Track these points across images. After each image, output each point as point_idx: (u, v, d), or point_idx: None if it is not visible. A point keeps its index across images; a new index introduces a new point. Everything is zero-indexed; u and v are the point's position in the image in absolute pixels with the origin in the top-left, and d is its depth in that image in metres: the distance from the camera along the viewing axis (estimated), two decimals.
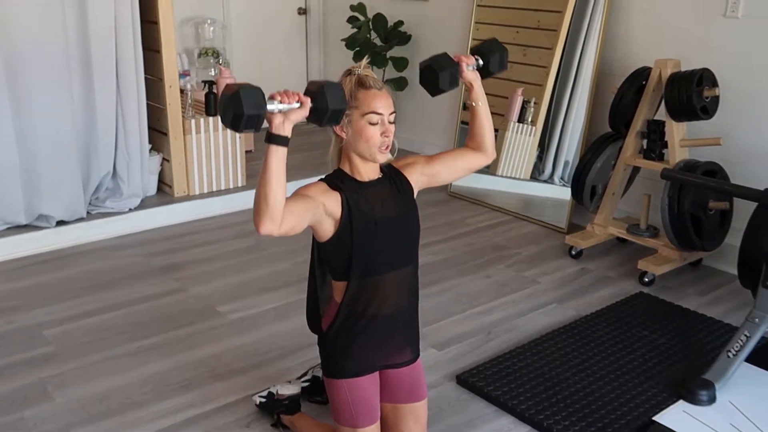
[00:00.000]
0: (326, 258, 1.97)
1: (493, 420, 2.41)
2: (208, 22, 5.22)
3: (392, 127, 1.88)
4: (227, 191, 4.39)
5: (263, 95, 1.61)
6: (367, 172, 1.94)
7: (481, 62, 2.06)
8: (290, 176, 1.73)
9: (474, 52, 2.09)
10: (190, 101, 4.26)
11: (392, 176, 1.99)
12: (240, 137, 4.42)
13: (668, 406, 2.45)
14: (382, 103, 1.84)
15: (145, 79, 4.05)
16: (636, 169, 3.72)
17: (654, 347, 2.83)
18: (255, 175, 4.51)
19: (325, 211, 1.84)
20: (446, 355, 2.80)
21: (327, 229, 1.88)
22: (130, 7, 3.78)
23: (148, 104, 4.10)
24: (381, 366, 2.05)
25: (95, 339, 2.89)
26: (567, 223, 4.11)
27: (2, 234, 3.68)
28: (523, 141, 4.43)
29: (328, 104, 1.69)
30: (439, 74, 1.96)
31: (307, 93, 1.71)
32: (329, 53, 6.01)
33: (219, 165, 4.37)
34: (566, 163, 4.22)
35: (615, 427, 2.32)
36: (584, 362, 2.71)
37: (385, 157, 1.91)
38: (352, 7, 5.15)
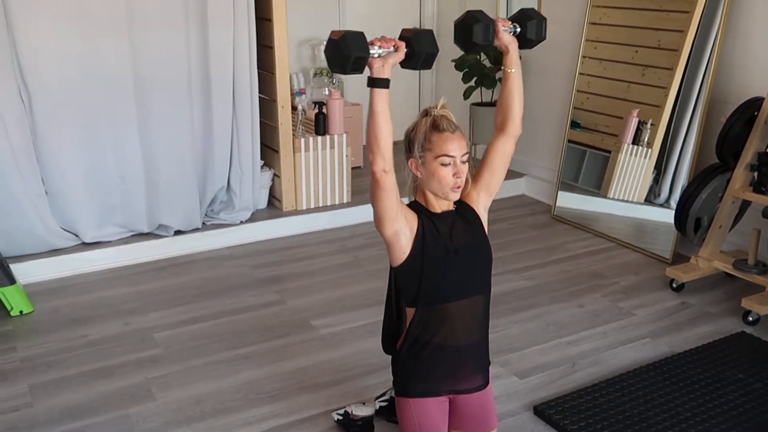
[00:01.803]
0: (398, 283, 2.06)
1: None
2: (324, 43, 5.43)
3: (465, 167, 1.94)
4: (333, 207, 4.57)
5: (366, 39, 1.77)
6: (441, 206, 2.02)
7: (518, 29, 2.05)
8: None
9: (512, 19, 2.09)
10: (301, 119, 4.48)
11: (461, 209, 2.06)
12: (347, 156, 4.59)
13: None
14: (454, 146, 1.91)
15: (260, 99, 4.31)
16: (746, 203, 3.57)
17: (748, 392, 2.72)
18: (360, 192, 4.68)
19: (405, 219, 1.92)
20: (527, 384, 2.81)
21: (403, 247, 1.94)
22: (247, 33, 4.04)
23: (261, 123, 4.36)
24: (449, 391, 2.10)
25: (198, 344, 3.12)
26: (672, 254, 3.99)
27: (127, 241, 4.03)
28: (638, 163, 4.33)
29: (421, 48, 1.83)
30: (473, 26, 1.94)
31: (401, 38, 1.86)
32: (441, 73, 6.09)
33: (326, 181, 4.56)
34: (684, 187, 4.08)
35: None
36: (669, 402, 2.64)
37: (457, 196, 1.98)
38: None
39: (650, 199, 4.26)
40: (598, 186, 4.52)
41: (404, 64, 1.89)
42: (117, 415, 2.63)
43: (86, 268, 3.84)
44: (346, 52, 1.73)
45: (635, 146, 4.31)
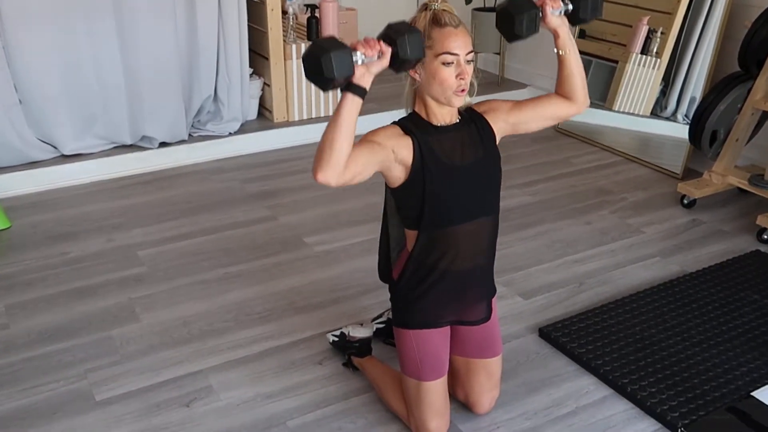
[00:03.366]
0: (398, 204, 1.88)
1: (574, 379, 2.29)
2: None
3: (470, 68, 1.72)
4: (326, 118, 4.29)
5: (351, 55, 1.53)
6: (443, 115, 1.81)
7: (570, 7, 1.83)
8: (367, 110, 1.64)
9: None
10: (292, 24, 4.18)
11: (473, 120, 1.85)
12: None
13: None
14: (458, 43, 1.69)
15: (248, 2, 4.00)
16: (765, 114, 3.35)
17: (764, 314, 2.58)
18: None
19: (395, 158, 1.73)
20: (532, 305, 2.67)
21: (398, 176, 1.78)
22: None
23: (250, 27, 4.06)
24: (451, 322, 1.96)
25: (185, 263, 2.96)
26: (682, 169, 3.80)
27: (109, 153, 3.81)
28: (646, 74, 4.08)
29: (408, 54, 1.60)
30: (515, 17, 1.75)
31: (386, 39, 1.60)
32: None
33: (319, 91, 4.30)
34: (692, 99, 3.86)
35: (706, 399, 2.15)
36: (682, 324, 2.51)
37: (461, 101, 1.77)
38: None
39: (656, 112, 4.04)
40: (604, 98, 4.29)
41: (390, 67, 1.63)
42: (99, 336, 2.48)
43: (66, 181, 3.64)
44: (328, 75, 1.48)
45: (644, 56, 4.06)
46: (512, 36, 1.80)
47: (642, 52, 4.05)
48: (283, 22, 4.12)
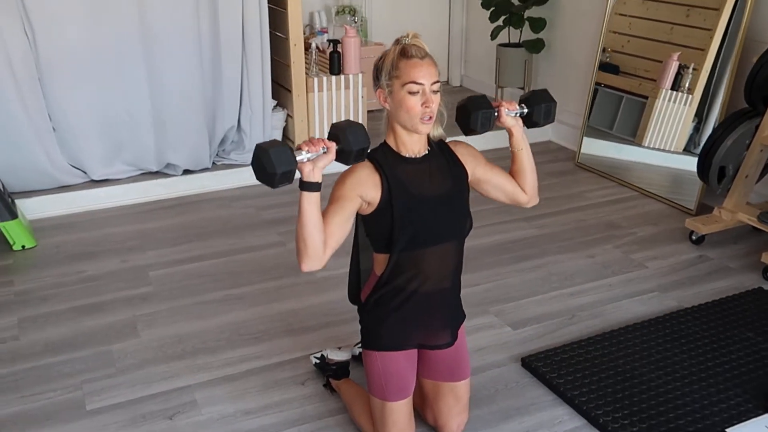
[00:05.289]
0: (367, 230, 1.96)
1: (548, 409, 2.30)
2: None
3: (435, 97, 1.81)
4: None
5: (292, 151, 1.66)
6: (413, 144, 1.89)
7: (525, 110, 2.00)
8: None
9: (522, 100, 2.03)
10: (314, 58, 4.34)
11: (443, 153, 1.93)
12: (363, 96, 4.46)
13: (749, 418, 2.20)
14: (422, 72, 1.78)
15: (273, 36, 4.19)
16: None
17: (755, 351, 2.55)
18: (376, 135, 4.54)
19: (362, 200, 1.84)
20: (519, 335, 2.70)
21: (368, 207, 1.86)
22: None
23: (274, 61, 4.24)
24: (417, 345, 2.02)
25: (191, 284, 3.09)
26: (696, 204, 3.77)
27: (136, 179, 4.01)
28: (677, 110, 4.07)
29: (351, 146, 1.72)
30: (471, 114, 1.92)
31: (330, 137, 1.74)
32: (472, 12, 5.85)
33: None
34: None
35: None
36: (667, 359, 2.50)
37: (428, 128, 1.85)
38: None
39: (690, 148, 4.00)
40: (634, 134, 4.29)
41: (338, 159, 1.76)
42: (99, 350, 2.62)
43: (93, 205, 3.84)
44: (270, 170, 1.61)
45: (674, 92, 4.05)
46: (468, 130, 1.97)
47: (672, 88, 4.04)
48: (306, 56, 4.28)
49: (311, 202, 1.70)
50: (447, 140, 1.98)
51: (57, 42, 3.62)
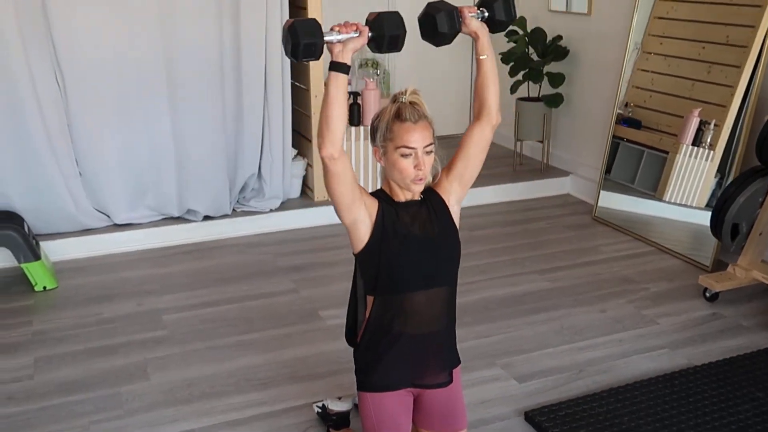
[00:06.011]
0: (360, 270, 2.00)
1: None
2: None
3: (428, 159, 1.87)
4: None
5: (319, 25, 1.72)
6: (406, 194, 1.94)
7: (485, 13, 1.96)
8: None
9: (477, 4, 2.00)
10: None
11: (430, 198, 1.98)
12: None
13: None
14: (415, 137, 1.84)
15: (295, 87, 4.31)
16: None
17: (764, 411, 2.51)
18: None
19: (365, 206, 1.87)
20: (525, 389, 2.69)
21: (362, 235, 1.89)
22: (280, 20, 4.03)
23: (297, 111, 4.35)
24: (410, 384, 2.02)
25: (204, 328, 3.14)
26: (712, 261, 3.75)
27: (157, 224, 4.11)
28: (698, 165, 4.08)
29: (384, 30, 1.78)
30: (436, 17, 1.88)
31: (366, 23, 1.81)
32: None
33: (359, 172, 4.52)
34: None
35: None
36: (673, 417, 2.47)
37: (420, 188, 1.91)
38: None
39: (712, 203, 3.97)
40: (655, 188, 4.30)
41: (371, 46, 1.84)
42: (109, 392, 2.67)
43: (115, 248, 3.94)
44: (295, 40, 1.69)
45: (695, 147, 4.06)
46: (437, 36, 1.91)
47: (694, 144, 4.05)
48: None
49: (338, 83, 1.76)
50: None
51: (86, 91, 3.77)
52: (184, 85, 3.93)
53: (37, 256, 3.47)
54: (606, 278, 3.67)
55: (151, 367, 2.83)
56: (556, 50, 4.91)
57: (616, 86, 4.44)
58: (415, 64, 5.83)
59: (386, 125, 1.86)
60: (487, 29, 1.97)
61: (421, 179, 1.87)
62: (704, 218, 3.87)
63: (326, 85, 1.78)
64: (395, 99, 1.91)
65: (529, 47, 5.02)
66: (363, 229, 1.89)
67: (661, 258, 3.93)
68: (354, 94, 4.49)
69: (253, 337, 3.08)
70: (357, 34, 1.78)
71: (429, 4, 1.93)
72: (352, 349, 2.08)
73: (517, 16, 2.00)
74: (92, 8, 3.69)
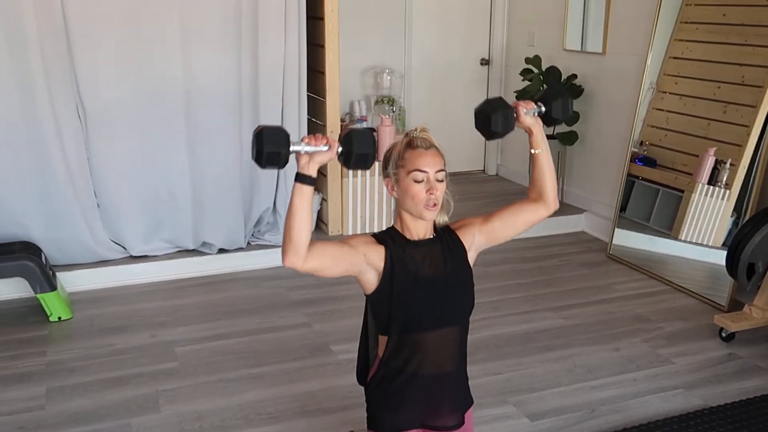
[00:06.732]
0: (372, 310, 2.00)
1: None
2: (387, 71, 5.48)
3: (440, 185, 1.88)
4: None
5: (286, 135, 1.72)
6: (418, 230, 1.95)
7: (543, 109, 1.97)
8: None
9: (537, 99, 2.01)
10: None
11: (446, 236, 1.98)
12: None
13: None
14: (426, 161, 1.85)
15: (311, 122, 4.36)
16: None
17: None
18: None
19: (366, 261, 1.87)
20: (537, 427, 2.66)
21: (370, 281, 1.90)
22: (297, 57, 4.11)
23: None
24: (421, 426, 2.01)
25: (216, 361, 3.14)
26: (728, 301, 3.71)
27: (172, 256, 4.14)
28: (714, 205, 4.07)
29: (353, 148, 1.77)
30: (491, 116, 1.90)
31: (339, 138, 1.81)
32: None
33: (374, 207, 4.55)
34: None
35: None
36: None
37: (432, 215, 1.91)
38: (527, 60, 5.12)
39: (728, 243, 3.95)
40: (670, 227, 4.28)
41: (340, 161, 1.83)
42: (120, 423, 2.67)
43: (130, 280, 3.97)
44: (258, 147, 1.70)
45: (711, 186, 4.05)
46: (489, 134, 1.94)
47: (709, 183, 4.05)
48: None
49: (303, 195, 1.73)
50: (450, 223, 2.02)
51: (107, 124, 3.85)
52: (202, 120, 4.00)
53: (53, 287, 3.50)
54: (620, 317, 3.64)
55: (162, 399, 2.83)
56: (571, 89, 4.95)
57: (631, 125, 4.46)
58: (430, 100, 5.90)
59: (398, 154, 1.88)
60: (542, 124, 1.99)
61: (434, 205, 1.88)
62: (720, 257, 3.85)
63: (291, 196, 1.76)
64: (407, 135, 1.94)
65: (544, 86, 5.06)
66: (371, 278, 1.90)
67: (676, 297, 3.90)
68: (370, 130, 4.53)
69: (265, 370, 3.08)
70: (326, 148, 1.76)
71: (486, 100, 1.96)
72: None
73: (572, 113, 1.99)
74: (115, 45, 3.78)
